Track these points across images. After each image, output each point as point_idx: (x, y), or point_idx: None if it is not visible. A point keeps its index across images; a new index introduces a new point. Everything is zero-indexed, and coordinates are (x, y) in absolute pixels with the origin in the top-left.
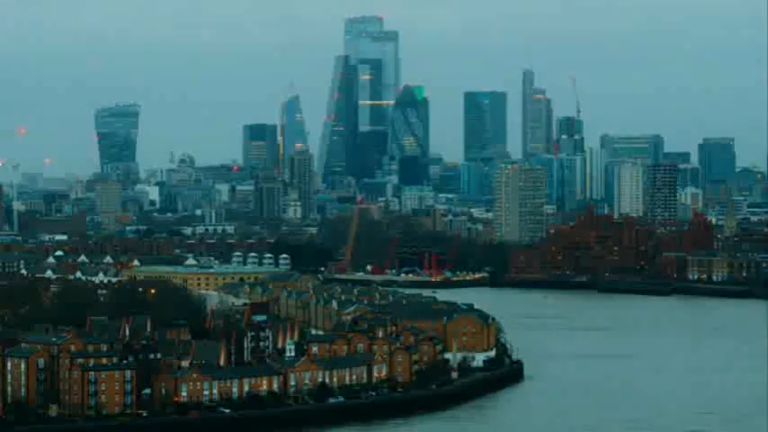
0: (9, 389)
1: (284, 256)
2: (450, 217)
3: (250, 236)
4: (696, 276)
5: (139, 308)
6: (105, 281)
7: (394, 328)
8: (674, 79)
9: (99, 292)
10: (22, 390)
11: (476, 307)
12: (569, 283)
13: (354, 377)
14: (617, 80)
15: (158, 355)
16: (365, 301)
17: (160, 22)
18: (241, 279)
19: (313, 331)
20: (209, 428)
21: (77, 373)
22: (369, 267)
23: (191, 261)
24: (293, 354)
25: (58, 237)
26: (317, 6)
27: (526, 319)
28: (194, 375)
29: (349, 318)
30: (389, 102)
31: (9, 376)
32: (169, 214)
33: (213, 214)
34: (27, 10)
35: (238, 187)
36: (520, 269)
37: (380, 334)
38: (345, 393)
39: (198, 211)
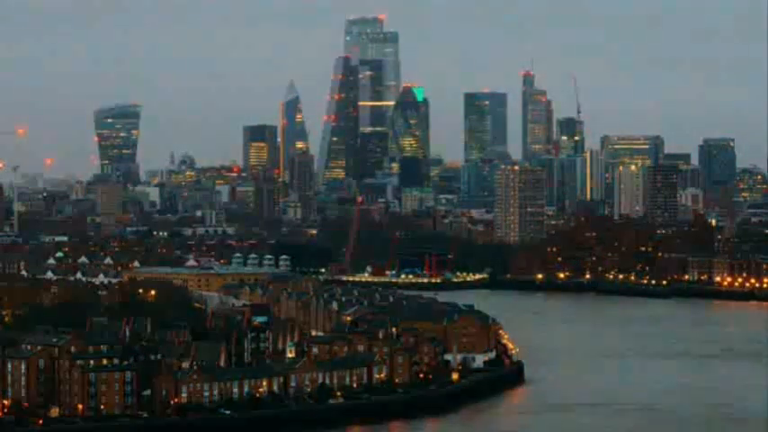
0: (9, 390)
1: (284, 257)
2: (450, 218)
3: (250, 237)
4: (696, 277)
5: (140, 309)
6: (106, 282)
7: (394, 329)
8: (675, 80)
9: (99, 293)
10: (23, 391)
11: (476, 308)
12: (569, 284)
13: (354, 378)
14: (617, 81)
15: (159, 357)
16: (365, 303)
17: (160, 23)
18: (241, 280)
19: (313, 332)
20: (210, 430)
21: (78, 374)
22: (369, 268)
23: (191, 262)
24: (293, 355)
25: (59, 238)
26: (317, 7)
27: (526, 320)
28: (194, 376)
29: (349, 319)
30: (390, 103)
31: (9, 377)
32: (169, 215)
33: (213, 215)
34: (27, 9)
35: (238, 188)
36: (520, 270)
37: (381, 335)
38: (346, 394)
39: (198, 212)
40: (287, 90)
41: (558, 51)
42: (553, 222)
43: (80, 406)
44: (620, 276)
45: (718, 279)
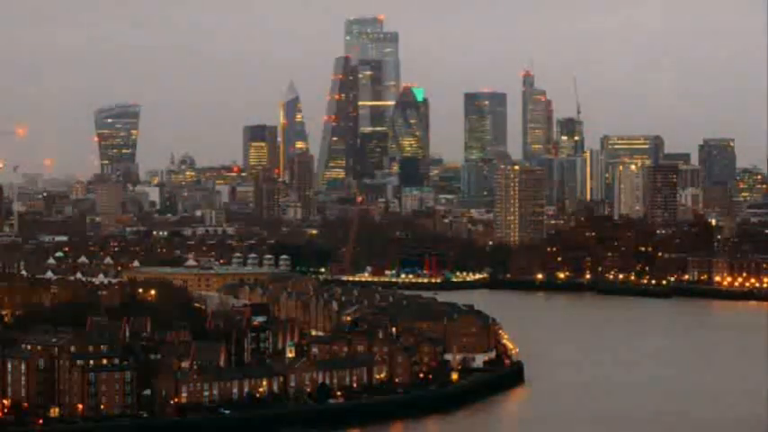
0: (9, 390)
1: (284, 256)
2: (450, 218)
3: (250, 237)
4: (696, 277)
5: (139, 309)
6: (105, 282)
7: (394, 329)
8: (674, 80)
9: (99, 293)
10: (23, 391)
11: (476, 308)
12: (569, 284)
13: (354, 378)
14: (617, 80)
15: (158, 356)
16: (365, 302)
17: (160, 22)
18: (241, 280)
19: (313, 332)
20: (210, 430)
21: (77, 373)
22: (369, 268)
23: (191, 262)
24: (293, 355)
25: (59, 238)
26: (317, 7)
27: (526, 320)
28: (194, 376)
29: (349, 319)
30: (389, 103)
31: (9, 377)
32: (169, 215)
33: (213, 215)
34: (27, 10)
35: (238, 188)
36: (520, 270)
37: (380, 335)
38: (346, 394)
39: (198, 212)
40: (287, 90)
41: (559, 51)
42: (553, 222)
43: (80, 406)
44: (620, 276)
45: (717, 279)
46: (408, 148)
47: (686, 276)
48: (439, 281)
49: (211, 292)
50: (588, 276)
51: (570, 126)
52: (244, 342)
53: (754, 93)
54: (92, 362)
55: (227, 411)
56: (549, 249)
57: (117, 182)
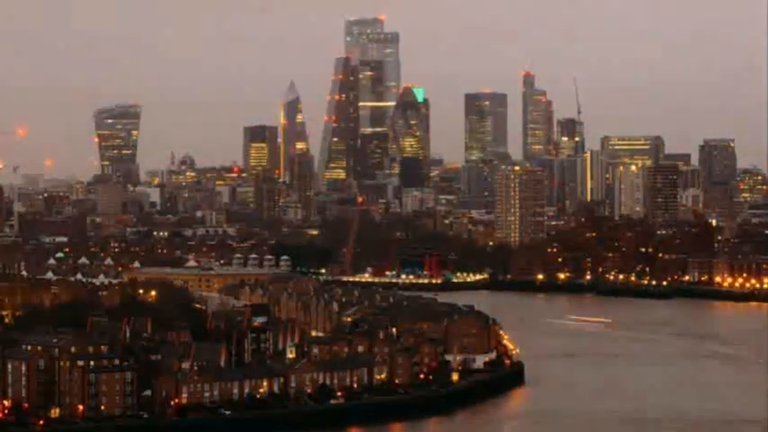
0: (10, 390)
1: (285, 257)
2: (450, 219)
3: (250, 237)
4: (696, 278)
5: (140, 309)
6: (106, 282)
7: (394, 329)
8: (675, 80)
9: (100, 293)
10: (23, 391)
11: (476, 309)
12: (570, 284)
13: (355, 379)
14: (617, 81)
15: (159, 357)
16: (366, 303)
17: (160, 23)
18: (242, 280)
19: (313, 333)
20: (210, 430)
21: (78, 374)
22: (369, 269)
23: (191, 263)
24: (294, 355)
25: (59, 238)
26: (317, 7)
27: (526, 320)
28: (195, 377)
29: (350, 319)
30: (390, 103)
31: (9, 378)
32: (169, 216)
33: (213, 216)
34: (26, 9)
35: (239, 189)
36: (520, 271)
37: (381, 335)
38: (346, 395)
39: (198, 213)
40: (287, 90)
41: (559, 51)
42: (553, 223)
43: (80, 406)
44: (621, 277)
45: (718, 279)
46: (409, 149)
47: (687, 277)
48: (439, 281)
49: (212, 292)
50: (588, 277)
51: (570, 126)
52: (244, 343)
53: (754, 93)
54: (92, 362)
55: (227, 412)
56: (549, 250)
57: (117, 182)
